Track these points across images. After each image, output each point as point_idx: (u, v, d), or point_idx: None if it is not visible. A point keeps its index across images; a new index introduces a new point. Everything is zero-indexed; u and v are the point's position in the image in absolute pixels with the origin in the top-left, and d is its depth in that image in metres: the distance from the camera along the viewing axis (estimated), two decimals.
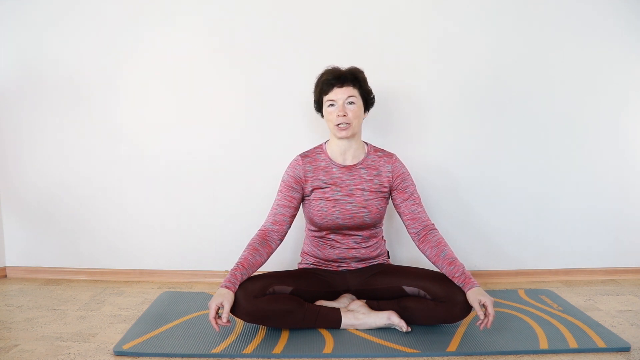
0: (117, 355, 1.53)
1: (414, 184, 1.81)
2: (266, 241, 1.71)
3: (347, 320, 1.67)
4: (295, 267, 1.97)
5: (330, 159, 1.79)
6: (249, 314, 1.58)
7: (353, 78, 1.74)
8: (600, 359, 1.49)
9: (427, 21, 2.14)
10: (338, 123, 1.70)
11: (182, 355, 1.52)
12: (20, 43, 2.21)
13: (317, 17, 2.14)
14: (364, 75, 1.78)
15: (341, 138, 1.73)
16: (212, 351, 1.53)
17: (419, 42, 2.15)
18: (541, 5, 2.12)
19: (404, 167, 1.82)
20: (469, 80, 2.16)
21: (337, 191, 1.76)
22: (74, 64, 2.20)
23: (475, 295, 1.53)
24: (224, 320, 1.50)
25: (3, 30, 2.20)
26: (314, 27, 2.14)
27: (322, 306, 1.70)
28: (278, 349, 1.55)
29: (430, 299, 1.63)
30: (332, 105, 1.73)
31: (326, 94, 1.74)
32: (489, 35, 2.14)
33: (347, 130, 1.71)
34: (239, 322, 1.74)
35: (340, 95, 1.71)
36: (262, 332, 1.67)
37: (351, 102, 1.72)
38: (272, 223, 1.74)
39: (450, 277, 1.62)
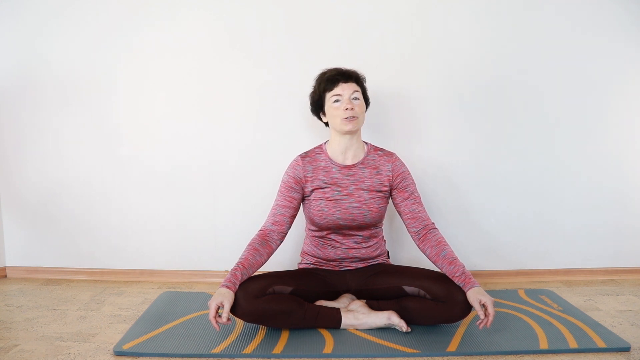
0: (117, 355, 1.53)
1: (414, 183, 1.82)
2: (266, 241, 1.71)
3: (347, 320, 1.67)
4: (295, 267, 1.97)
5: (330, 159, 1.79)
6: (249, 314, 1.58)
7: (356, 77, 1.78)
8: (600, 359, 1.49)
9: (427, 21, 2.14)
10: (346, 116, 1.70)
11: (182, 355, 1.52)
12: (20, 42, 2.21)
13: (318, 18, 2.14)
14: (364, 78, 1.82)
15: (347, 132, 1.73)
16: (212, 351, 1.53)
17: (419, 43, 2.15)
18: (542, 5, 2.12)
19: (404, 166, 1.82)
20: (469, 81, 2.16)
21: (337, 191, 1.76)
22: (75, 64, 2.20)
23: (475, 295, 1.53)
24: (224, 319, 1.50)
25: (2, 30, 2.20)
26: (315, 28, 2.14)
27: (322, 306, 1.70)
28: (278, 349, 1.55)
29: (430, 298, 1.63)
30: (337, 100, 1.74)
31: (330, 90, 1.75)
32: (489, 35, 2.14)
33: (354, 123, 1.71)
34: (239, 322, 1.74)
35: (346, 90, 1.73)
36: (262, 332, 1.67)
37: (356, 98, 1.74)
38: (272, 223, 1.75)
39: (450, 277, 1.62)
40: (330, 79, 1.75)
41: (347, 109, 1.70)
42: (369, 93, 1.86)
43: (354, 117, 1.71)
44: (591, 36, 2.14)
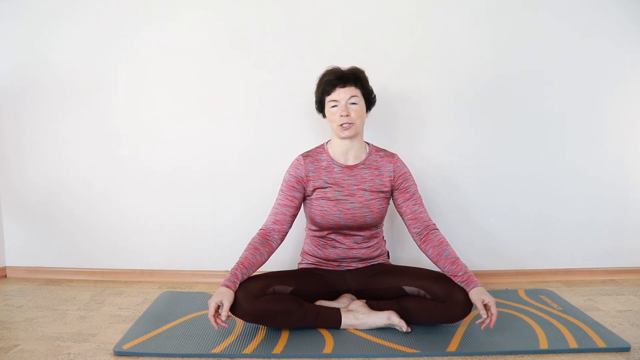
0: (117, 355, 1.53)
1: (416, 184, 1.81)
2: (267, 241, 1.71)
3: (347, 320, 1.67)
4: (295, 267, 1.97)
5: (332, 159, 1.79)
6: (249, 313, 1.58)
7: (355, 78, 1.74)
8: (600, 359, 1.49)
9: (427, 21, 2.14)
10: (341, 123, 1.70)
11: (182, 355, 1.52)
12: (20, 42, 2.21)
13: (318, 18, 2.14)
14: (365, 75, 1.78)
15: (344, 138, 1.73)
16: (212, 351, 1.53)
17: (419, 43, 2.15)
18: (542, 5, 2.12)
19: (406, 167, 1.82)
20: (469, 81, 2.16)
21: (339, 191, 1.76)
22: (75, 64, 2.20)
23: (478, 295, 1.53)
24: (223, 318, 1.50)
25: (2, 30, 2.20)
26: (315, 28, 2.14)
27: (322, 306, 1.70)
28: (278, 349, 1.55)
29: (430, 298, 1.63)
30: (334, 105, 1.73)
31: (328, 94, 1.74)
32: (489, 35, 2.14)
33: (350, 129, 1.71)
34: (239, 322, 1.74)
35: (342, 95, 1.71)
36: (262, 332, 1.67)
37: (354, 103, 1.72)
38: (273, 222, 1.74)
39: (452, 276, 1.62)
40: (328, 82, 1.73)
41: (342, 115, 1.70)
42: None
43: (349, 123, 1.70)
44: (591, 36, 2.14)
